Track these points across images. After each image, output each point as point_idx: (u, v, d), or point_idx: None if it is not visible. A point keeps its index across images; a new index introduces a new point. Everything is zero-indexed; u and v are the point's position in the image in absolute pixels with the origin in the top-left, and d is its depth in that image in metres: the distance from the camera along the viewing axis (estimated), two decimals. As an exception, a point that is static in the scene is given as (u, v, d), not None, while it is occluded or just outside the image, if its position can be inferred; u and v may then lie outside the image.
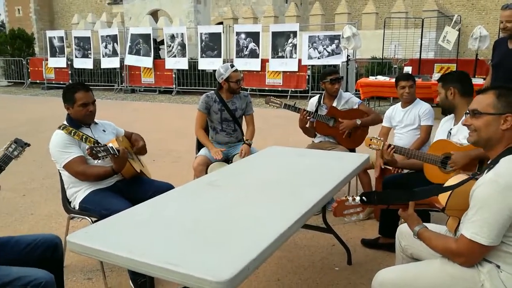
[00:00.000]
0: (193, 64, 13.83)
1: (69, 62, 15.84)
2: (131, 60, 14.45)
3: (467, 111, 1.82)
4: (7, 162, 2.10)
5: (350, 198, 1.82)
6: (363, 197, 1.81)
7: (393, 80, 8.86)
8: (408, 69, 8.88)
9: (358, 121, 3.80)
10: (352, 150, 3.94)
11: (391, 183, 3.04)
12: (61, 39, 16.02)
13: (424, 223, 1.83)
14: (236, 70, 3.68)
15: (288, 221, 1.79)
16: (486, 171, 1.67)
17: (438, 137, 2.85)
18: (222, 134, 3.77)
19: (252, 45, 12.98)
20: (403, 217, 1.88)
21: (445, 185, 1.88)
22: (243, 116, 3.87)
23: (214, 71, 4.10)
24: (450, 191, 1.81)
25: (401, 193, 1.94)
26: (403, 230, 2.09)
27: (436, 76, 8.66)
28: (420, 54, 10.97)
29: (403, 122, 3.67)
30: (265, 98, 4.05)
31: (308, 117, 3.80)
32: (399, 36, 13.15)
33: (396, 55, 13.01)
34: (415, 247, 2.01)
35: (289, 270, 2.86)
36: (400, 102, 3.74)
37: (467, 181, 1.77)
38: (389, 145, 2.87)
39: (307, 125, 3.91)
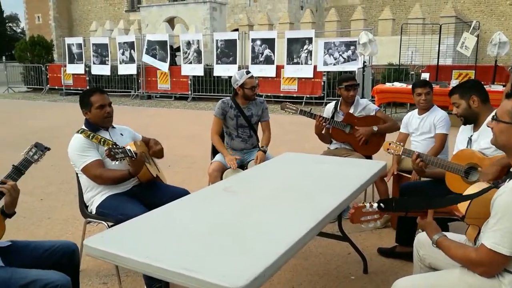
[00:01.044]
0: (208, 70, 13.92)
1: (87, 69, 16.10)
2: (148, 59, 14.57)
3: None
4: (27, 166, 2.13)
5: (367, 205, 1.79)
6: (381, 204, 1.78)
7: (410, 86, 8.80)
8: (425, 76, 8.78)
9: (375, 128, 3.76)
10: (369, 157, 3.90)
11: (409, 190, 2.99)
12: (79, 46, 16.31)
13: (443, 232, 1.80)
14: (251, 77, 3.68)
15: (304, 228, 1.77)
16: (508, 179, 1.63)
17: (458, 145, 2.80)
18: (237, 140, 3.77)
19: (267, 51, 13.01)
20: (421, 225, 1.84)
21: (465, 193, 1.84)
22: (259, 123, 3.86)
23: (230, 77, 4.12)
24: (470, 200, 1.77)
25: (420, 200, 1.91)
26: (422, 239, 2.05)
27: (454, 82, 8.54)
28: (438, 60, 10.84)
29: (419, 130, 3.63)
30: (280, 104, 4.03)
31: (324, 124, 3.77)
32: (416, 42, 13.01)
33: (413, 61, 12.87)
34: (433, 256, 1.96)
35: (304, 278, 2.83)
36: (417, 109, 3.69)
37: (488, 189, 1.73)
38: (417, 156, 2.81)
39: (323, 132, 3.88)
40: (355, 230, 3.53)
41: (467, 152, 2.68)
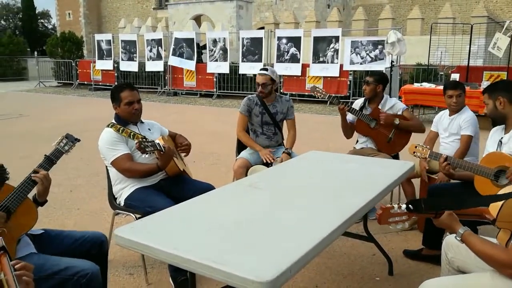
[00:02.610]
0: (234, 68, 13.97)
1: (115, 65, 16.40)
2: (174, 61, 14.77)
3: None
4: (58, 156, 2.20)
5: (396, 206, 1.76)
6: (410, 205, 1.76)
7: (439, 87, 8.61)
8: (455, 76, 8.57)
9: (397, 121, 3.70)
10: (396, 157, 3.85)
11: (437, 192, 2.94)
12: (108, 42, 16.63)
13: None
14: (261, 74, 3.66)
15: (330, 227, 1.76)
16: None
17: (488, 148, 2.73)
18: (262, 138, 3.78)
19: (293, 49, 12.95)
20: (438, 224, 1.79)
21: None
22: (284, 121, 3.86)
23: (255, 75, 4.12)
24: (502, 202, 1.73)
25: (450, 200, 1.86)
26: (450, 241, 2.01)
27: (485, 84, 8.31)
28: (468, 61, 10.57)
29: (447, 131, 3.55)
30: (310, 88, 4.04)
31: (346, 108, 3.73)
32: (446, 42, 12.72)
33: (442, 61, 12.59)
34: (462, 259, 1.92)
35: (328, 278, 2.82)
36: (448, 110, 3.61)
37: None
38: (444, 159, 2.76)
39: (347, 119, 3.89)
40: (380, 231, 3.49)
41: (496, 154, 2.61)
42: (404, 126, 3.74)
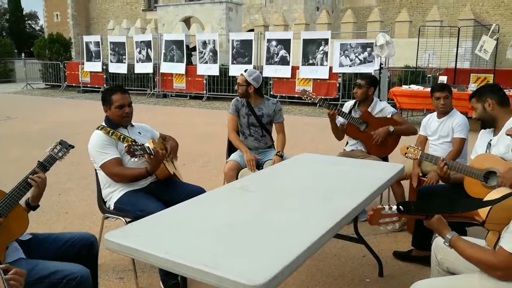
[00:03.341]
0: (224, 70, 13.96)
1: (104, 67, 16.28)
2: (166, 67, 14.72)
3: None
4: (52, 162, 2.17)
5: (386, 207, 1.78)
6: (400, 207, 1.77)
7: (427, 89, 8.68)
8: (443, 79, 8.67)
9: (391, 128, 3.74)
10: (385, 159, 3.88)
11: (426, 194, 2.96)
12: (97, 44, 16.50)
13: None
14: (241, 74, 3.71)
15: (321, 229, 1.77)
16: None
17: (477, 149, 2.76)
18: (250, 139, 3.79)
19: (283, 52, 12.99)
20: (430, 225, 1.81)
21: (486, 198, 1.81)
22: (273, 124, 3.86)
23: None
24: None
25: (441, 203, 1.88)
26: (440, 243, 2.03)
27: (472, 86, 8.42)
28: (456, 63, 10.71)
29: (437, 133, 3.59)
30: (300, 90, 4.05)
31: (336, 113, 3.76)
32: (434, 45, 12.88)
33: (430, 64, 12.73)
34: (452, 260, 1.95)
35: (319, 280, 2.83)
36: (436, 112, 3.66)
37: (510, 195, 1.70)
38: (445, 163, 2.78)
39: (336, 123, 3.91)
40: (370, 232, 3.51)
41: (486, 156, 2.65)
42: (398, 131, 3.78)
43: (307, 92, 3.91)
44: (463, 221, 1.97)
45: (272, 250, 1.59)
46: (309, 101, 3.93)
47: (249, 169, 3.50)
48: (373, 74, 10.24)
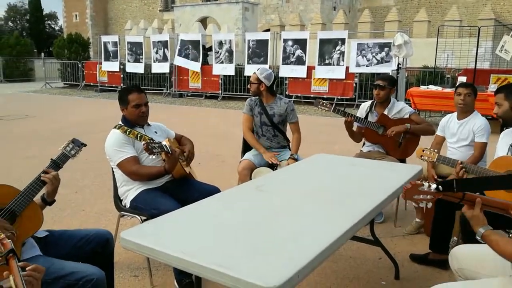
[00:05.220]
0: (239, 70, 13.97)
1: (121, 66, 16.46)
2: (180, 61, 14.78)
3: None
4: (65, 160, 2.20)
5: (426, 184, 1.69)
6: (440, 186, 1.67)
7: (446, 90, 8.55)
8: (462, 79, 8.50)
9: (408, 125, 3.67)
10: (403, 161, 3.81)
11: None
12: (114, 44, 16.68)
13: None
14: (254, 72, 3.73)
15: (338, 231, 1.75)
16: None
17: (498, 152, 2.69)
18: (263, 139, 3.78)
19: (299, 52, 12.94)
20: (467, 216, 1.74)
21: None
22: (287, 124, 3.83)
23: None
24: None
25: (484, 180, 1.78)
26: (456, 253, 1.98)
27: (492, 87, 8.25)
28: (476, 64, 10.51)
29: (456, 135, 3.46)
30: (314, 101, 3.99)
31: (352, 121, 3.70)
32: (454, 45, 12.66)
33: (449, 64, 12.53)
34: (471, 269, 1.89)
35: (333, 281, 2.80)
36: (457, 112, 3.55)
37: None
38: (461, 167, 2.71)
39: (354, 129, 3.84)
40: (386, 234, 3.46)
41: (506, 159, 2.58)
42: (415, 129, 3.71)
43: (321, 102, 3.85)
44: (497, 212, 1.82)
45: (287, 252, 1.57)
46: (325, 111, 3.85)
47: (273, 162, 3.54)
48: (390, 74, 10.15)
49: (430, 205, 1.71)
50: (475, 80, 9.90)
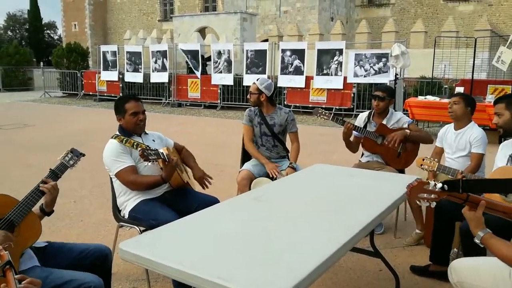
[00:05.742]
0: (238, 80, 14.03)
1: (120, 76, 16.49)
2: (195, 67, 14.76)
3: None
4: (63, 170, 2.19)
5: (432, 182, 1.67)
6: (445, 185, 1.65)
7: (443, 100, 8.58)
8: (459, 90, 8.55)
9: (408, 131, 3.67)
10: (401, 171, 3.81)
11: (446, 206, 2.89)
12: (113, 53, 16.74)
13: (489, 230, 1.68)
14: (253, 83, 3.75)
15: (338, 242, 1.74)
16: None
17: (497, 162, 2.69)
18: (262, 149, 3.77)
19: (297, 62, 13.00)
20: (467, 217, 1.72)
21: None
22: (286, 134, 3.84)
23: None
24: None
25: (492, 182, 1.76)
26: (456, 266, 1.96)
27: (489, 97, 8.30)
28: (473, 74, 10.57)
29: (453, 146, 3.44)
30: (313, 110, 4.00)
31: (351, 128, 3.70)
32: (451, 55, 12.74)
33: (446, 75, 12.60)
34: (470, 282, 1.88)
35: (333, 293, 2.78)
36: (454, 123, 3.55)
37: None
38: (462, 176, 2.71)
39: (351, 139, 3.84)
40: (386, 246, 3.45)
41: (506, 169, 2.58)
42: (414, 136, 3.71)
43: (320, 111, 3.86)
44: (499, 216, 1.80)
45: (287, 263, 1.56)
46: (324, 119, 3.87)
47: (274, 175, 3.51)
48: (388, 84, 10.20)
49: (433, 204, 1.69)
50: (472, 90, 9.96)
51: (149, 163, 2.55)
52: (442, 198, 1.69)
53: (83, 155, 2.34)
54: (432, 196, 1.67)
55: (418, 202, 1.70)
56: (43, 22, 44.04)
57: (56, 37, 48.39)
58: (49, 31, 48.22)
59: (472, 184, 1.70)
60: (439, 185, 1.65)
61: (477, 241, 1.65)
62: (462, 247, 2.79)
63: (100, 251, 2.14)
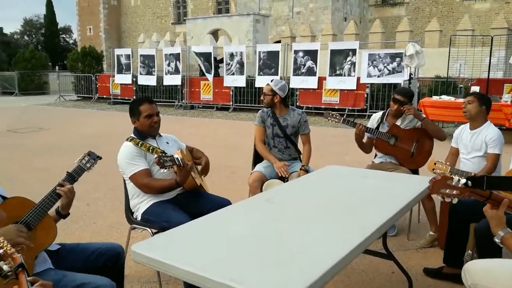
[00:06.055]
0: (250, 81, 14.05)
1: (134, 79, 16.66)
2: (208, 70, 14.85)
3: None
4: (80, 173, 2.21)
5: (456, 178, 1.65)
6: (469, 182, 1.63)
7: (458, 100, 8.46)
8: (475, 89, 8.42)
9: (423, 115, 3.68)
10: (415, 171, 3.77)
11: (461, 207, 2.85)
12: (127, 56, 16.93)
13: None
14: (266, 84, 3.74)
15: (351, 244, 1.72)
16: None
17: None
18: (274, 151, 3.76)
19: (309, 63, 12.97)
20: (488, 216, 1.69)
21: None
22: (299, 135, 3.83)
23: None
24: None
25: None
26: (470, 268, 1.93)
27: (506, 97, 8.15)
28: (489, 73, 10.40)
29: (469, 147, 3.40)
30: (324, 112, 3.98)
31: (363, 130, 3.68)
32: (466, 54, 12.56)
33: (461, 74, 12.43)
34: (485, 285, 1.84)
35: (346, 295, 2.75)
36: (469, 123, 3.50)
37: None
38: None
39: (364, 140, 3.81)
40: (399, 248, 3.41)
41: None
42: (428, 125, 3.69)
43: (331, 113, 3.83)
44: None
45: (299, 265, 1.55)
46: (334, 122, 3.84)
47: (282, 174, 3.50)
48: (402, 84, 10.10)
49: (455, 200, 1.67)
50: (488, 90, 9.80)
51: (165, 170, 2.57)
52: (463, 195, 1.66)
53: (100, 158, 2.35)
54: (455, 192, 1.64)
55: (440, 198, 1.67)
56: (58, 27, 44.77)
57: (71, 41, 49.16)
58: (64, 36, 49.01)
59: (497, 181, 1.68)
60: (463, 181, 1.63)
61: (497, 240, 1.62)
62: (477, 249, 2.74)
63: (113, 250, 2.15)
